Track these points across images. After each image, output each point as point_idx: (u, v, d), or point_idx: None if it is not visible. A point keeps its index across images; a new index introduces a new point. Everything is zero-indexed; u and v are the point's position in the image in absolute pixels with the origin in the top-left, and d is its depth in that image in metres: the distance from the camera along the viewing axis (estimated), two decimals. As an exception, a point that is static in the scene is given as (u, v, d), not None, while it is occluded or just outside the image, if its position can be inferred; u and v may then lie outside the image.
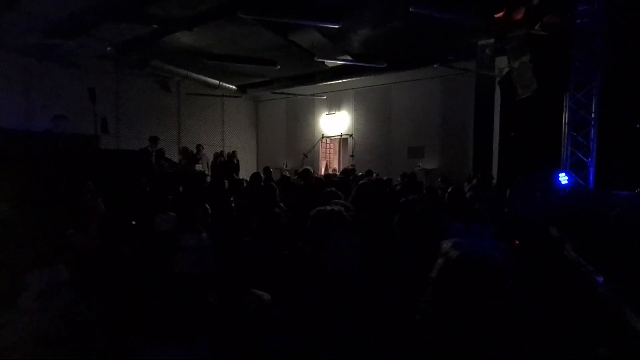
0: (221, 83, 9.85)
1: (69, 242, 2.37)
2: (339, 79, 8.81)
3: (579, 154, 4.49)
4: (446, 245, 1.28)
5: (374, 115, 10.27)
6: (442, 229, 2.32)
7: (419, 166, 9.20)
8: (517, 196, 4.21)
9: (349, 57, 7.52)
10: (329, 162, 11.46)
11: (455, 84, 8.77)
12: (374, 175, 6.33)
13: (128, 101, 8.69)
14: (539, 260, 2.82)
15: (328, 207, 1.72)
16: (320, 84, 9.41)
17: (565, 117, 4.51)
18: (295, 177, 5.27)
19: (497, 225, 3.98)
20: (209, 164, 8.22)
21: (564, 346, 1.58)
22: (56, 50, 6.89)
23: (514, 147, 5.78)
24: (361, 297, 1.48)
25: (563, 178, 4.24)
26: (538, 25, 4.24)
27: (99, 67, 7.86)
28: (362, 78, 9.11)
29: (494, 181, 6.68)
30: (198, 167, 7.47)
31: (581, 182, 4.42)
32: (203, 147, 8.14)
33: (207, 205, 2.90)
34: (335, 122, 10.92)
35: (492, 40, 5.95)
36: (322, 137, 11.01)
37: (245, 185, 4.63)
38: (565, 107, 4.46)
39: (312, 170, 4.47)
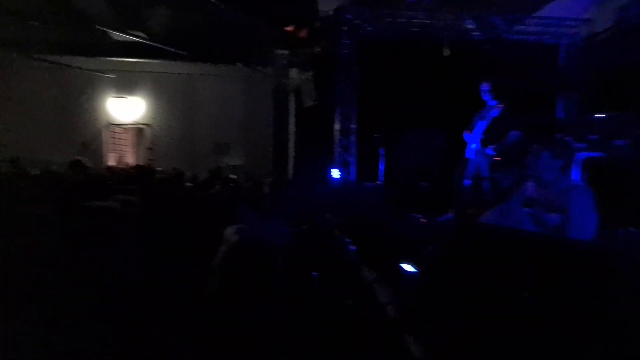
0: None
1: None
2: (130, 57, 7.55)
3: (345, 155, 5.81)
4: (229, 231, 1.33)
5: (176, 106, 9.47)
6: (238, 220, 2.43)
7: (225, 162, 9.25)
8: (303, 189, 4.99)
9: (143, 35, 6.58)
10: (121, 156, 9.66)
11: (259, 86, 9.38)
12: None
13: None
14: (318, 240, 3.46)
15: (99, 203, 1.44)
16: (105, 58, 7.76)
17: (336, 125, 5.71)
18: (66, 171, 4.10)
19: (290, 215, 4.54)
20: None
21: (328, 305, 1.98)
22: None
23: (302, 147, 6.84)
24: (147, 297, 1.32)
25: (335, 173, 5.39)
26: (318, 46, 5.19)
27: None
28: (162, 62, 8.21)
29: (290, 177, 7.71)
30: None
31: (347, 176, 5.73)
32: None
33: None
34: (126, 108, 9.28)
35: (286, 52, 6.75)
36: (109, 123, 9.12)
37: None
38: (336, 117, 5.66)
39: (85, 162, 3.61)
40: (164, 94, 9.42)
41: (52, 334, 0.99)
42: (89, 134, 8.68)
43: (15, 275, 1.31)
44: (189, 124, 9.57)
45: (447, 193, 5.12)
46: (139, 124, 9.28)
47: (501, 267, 0.96)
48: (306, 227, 4.04)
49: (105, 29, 6.19)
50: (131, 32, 6.43)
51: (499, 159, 3.78)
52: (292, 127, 8.02)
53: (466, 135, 4.19)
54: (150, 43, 6.74)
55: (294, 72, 7.35)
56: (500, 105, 3.85)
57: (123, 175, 4.47)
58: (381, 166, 5.47)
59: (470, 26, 5.48)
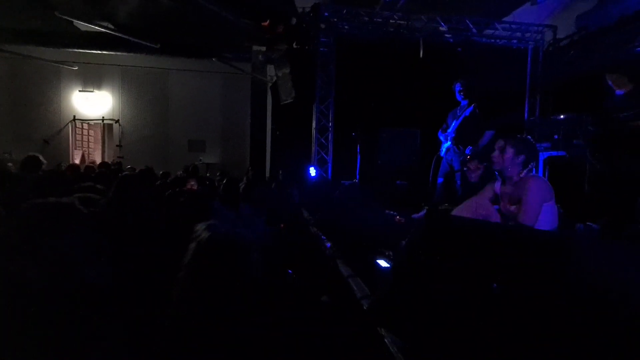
0: None
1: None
2: (96, 49, 7.18)
3: (322, 153, 5.82)
4: (200, 227, 1.29)
5: (148, 102, 9.12)
6: (212, 217, 2.37)
7: (200, 160, 9.02)
8: (279, 186, 4.95)
9: (111, 26, 6.27)
10: (87, 153, 9.18)
11: (235, 82, 9.20)
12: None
13: None
14: (294, 237, 3.45)
15: (53, 200, 1.34)
16: (70, 50, 7.33)
17: (313, 123, 5.70)
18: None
19: (267, 212, 4.49)
20: None
21: (302, 298, 1.97)
22: None
23: (280, 145, 6.78)
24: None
25: (312, 171, 5.38)
26: (295, 42, 5.16)
27: None
28: (133, 55, 7.86)
29: (267, 174, 7.63)
30: None
31: (324, 174, 5.74)
32: None
33: None
34: (93, 103, 8.85)
35: (263, 48, 6.66)
36: (74, 119, 8.67)
37: None
38: (314, 115, 5.65)
39: (42, 159, 3.37)
40: (134, 88, 9.04)
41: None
42: (52, 129, 8.19)
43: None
44: (162, 121, 9.25)
45: (422, 190, 5.25)
46: (107, 119, 8.86)
47: (469, 258, 0.99)
48: (283, 224, 4.02)
49: (69, 18, 5.84)
50: (98, 23, 6.11)
51: (469, 156, 3.92)
52: (269, 125, 7.94)
53: (440, 134, 4.31)
54: (119, 35, 6.43)
55: (270, 69, 7.27)
56: (472, 105, 3.99)
57: (88, 174, 4.24)
58: (358, 164, 5.53)
59: (443, 28, 5.64)
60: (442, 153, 4.27)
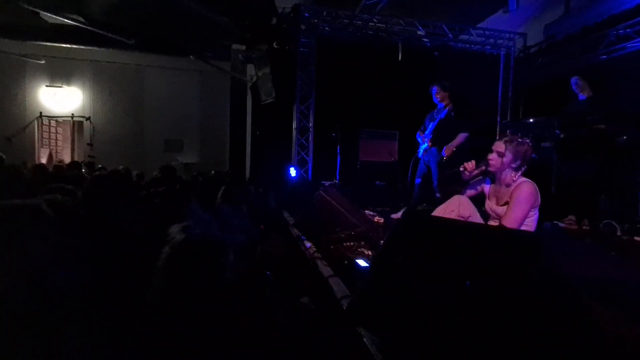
0: None
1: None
2: (65, 43, 6.84)
3: (303, 154, 5.81)
4: (173, 229, 1.25)
5: (122, 99, 8.77)
6: (188, 218, 2.31)
7: (177, 160, 8.79)
8: (260, 188, 4.90)
9: (81, 20, 6.00)
10: (55, 152, 8.73)
11: (214, 81, 9.01)
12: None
13: None
14: (274, 238, 3.43)
15: (18, 201, 1.26)
16: (37, 43, 6.95)
17: (294, 123, 5.69)
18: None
19: (247, 213, 4.44)
20: None
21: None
22: None
23: (260, 145, 6.72)
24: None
25: (292, 171, 5.36)
26: (275, 42, 5.13)
27: None
28: (105, 50, 7.56)
29: (247, 175, 7.53)
30: None
31: (304, 174, 5.74)
32: None
33: None
34: (62, 98, 8.41)
35: (243, 47, 6.58)
36: (41, 115, 8.21)
37: None
38: (294, 115, 5.64)
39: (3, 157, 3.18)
40: (106, 84, 8.67)
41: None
42: (16, 126, 7.72)
43: None
44: (137, 119, 8.93)
45: (400, 191, 5.35)
46: (77, 116, 8.45)
47: (444, 257, 1.03)
48: (263, 225, 3.98)
49: (37, 10, 5.53)
50: (67, 16, 5.82)
51: (445, 157, 4.03)
52: (249, 125, 7.84)
53: (418, 135, 4.41)
54: (91, 29, 6.15)
55: (251, 68, 7.19)
56: (449, 108, 4.10)
57: (57, 174, 4.03)
58: (338, 164, 5.57)
59: (421, 33, 5.77)
60: (420, 154, 4.37)
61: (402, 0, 5.07)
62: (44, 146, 8.41)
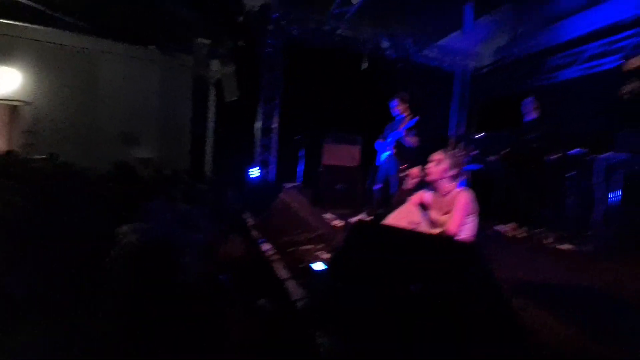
0: None
1: None
2: (3, 19, 6.19)
3: (266, 154, 5.78)
4: (124, 230, 1.21)
5: (71, 85, 8.05)
6: (143, 218, 2.21)
7: (133, 155, 8.27)
8: (221, 188, 4.79)
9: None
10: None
11: (176, 74, 8.61)
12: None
13: None
14: (233, 240, 3.38)
15: None
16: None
17: (258, 123, 5.64)
18: None
19: (206, 213, 4.32)
20: None
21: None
22: None
23: (222, 144, 6.57)
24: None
25: (254, 172, 5.31)
26: (241, 40, 5.06)
27: None
28: (52, 30, 6.93)
29: (207, 174, 7.30)
30: None
31: (266, 176, 5.71)
32: None
33: None
34: (-5, 80, 7.54)
35: (208, 42, 6.39)
36: (-30, 98, 7.33)
37: None
38: (258, 115, 5.60)
39: None
40: (52, 68, 7.91)
41: None
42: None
43: None
44: (89, 108, 8.27)
45: (361, 195, 5.52)
46: (13, 100, 7.61)
47: (391, 263, 1.10)
48: (222, 226, 3.90)
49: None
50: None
51: (405, 165, 4.24)
52: (211, 122, 7.61)
53: (378, 143, 4.58)
54: (35, 6, 5.61)
55: (215, 64, 6.99)
56: (407, 120, 4.31)
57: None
58: (300, 167, 5.61)
59: (386, 44, 6.01)
60: (380, 161, 4.55)
61: (369, 12, 5.24)
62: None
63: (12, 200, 1.81)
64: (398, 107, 4.40)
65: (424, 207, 2.56)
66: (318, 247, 2.77)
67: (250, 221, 4.10)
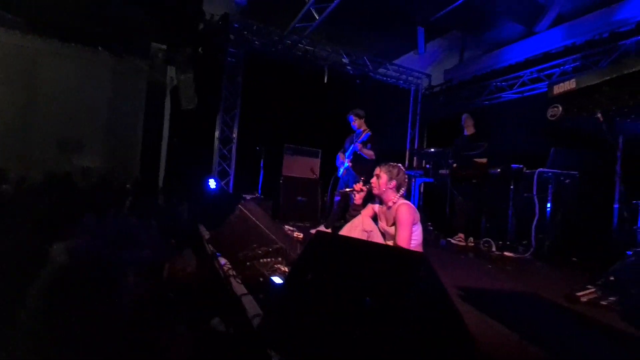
0: None
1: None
2: None
3: (224, 165, 5.62)
4: (56, 248, 1.10)
5: (4, 85, 7.28)
6: (78, 234, 2.02)
7: (74, 163, 7.59)
8: (175, 199, 4.55)
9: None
10: None
11: (129, 79, 8.14)
12: None
13: None
14: (188, 253, 3.21)
15: None
16: None
17: (217, 133, 5.49)
18: None
19: (155, 227, 4.06)
20: None
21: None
22: None
23: (177, 153, 6.28)
24: None
25: (212, 183, 5.12)
26: (201, 48, 4.94)
27: None
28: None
29: (160, 185, 6.90)
30: None
31: (224, 187, 5.53)
32: None
33: None
34: None
35: (164, 47, 6.15)
36: None
37: None
38: (217, 125, 5.45)
39: None
40: (-18, 66, 7.12)
41: None
42: None
43: None
44: (25, 110, 7.49)
45: (321, 207, 5.55)
46: None
47: (347, 275, 1.12)
48: (174, 240, 3.70)
49: None
50: None
51: (363, 178, 4.35)
52: (166, 130, 7.25)
53: (338, 156, 4.67)
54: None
55: (171, 70, 6.73)
56: (364, 134, 4.46)
57: None
58: (261, 178, 5.53)
59: (345, 61, 6.22)
60: (339, 174, 4.63)
61: (329, 29, 5.41)
62: None
63: None
64: (354, 123, 4.55)
65: (375, 218, 2.66)
66: (277, 260, 2.72)
67: (206, 235, 3.93)
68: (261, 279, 2.29)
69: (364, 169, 4.30)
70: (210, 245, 3.51)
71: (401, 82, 7.05)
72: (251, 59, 5.65)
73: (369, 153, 4.37)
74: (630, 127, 2.28)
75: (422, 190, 6.56)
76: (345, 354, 1.09)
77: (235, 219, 4.17)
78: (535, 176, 3.79)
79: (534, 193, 3.76)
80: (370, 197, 2.69)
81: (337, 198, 4.63)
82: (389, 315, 1.14)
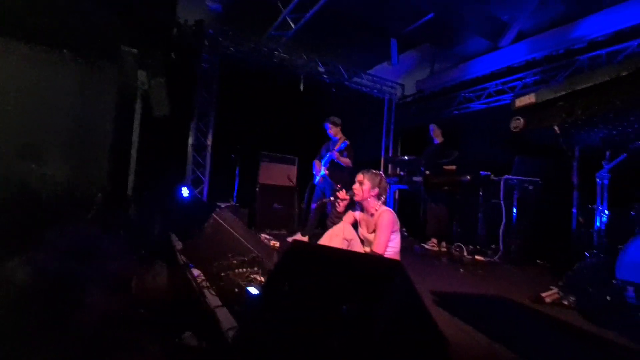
0: None
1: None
2: None
3: (198, 172, 5.48)
4: (11, 265, 1.02)
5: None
6: (38, 248, 1.89)
7: (35, 170, 7.11)
8: (145, 209, 4.38)
9: None
10: None
11: (97, 83, 7.79)
12: None
13: None
14: (159, 265, 3.07)
15: None
16: None
17: (190, 140, 5.35)
18: None
19: (125, 238, 3.88)
20: None
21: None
22: None
23: (148, 160, 6.05)
24: None
25: (185, 191, 4.97)
26: (174, 53, 4.82)
27: None
28: None
29: (129, 193, 6.60)
30: None
31: (198, 195, 5.39)
32: None
33: None
34: None
35: (135, 50, 5.95)
36: None
37: None
38: (191, 131, 5.32)
39: None
40: None
41: None
42: None
43: None
44: (-26, 114, 6.96)
45: (297, 215, 5.52)
46: None
47: (323, 283, 1.12)
48: (144, 252, 3.55)
49: None
50: None
51: (339, 185, 4.38)
52: (136, 136, 6.97)
53: (315, 163, 4.69)
54: None
55: (142, 75, 6.51)
56: (341, 142, 4.51)
57: None
58: (236, 186, 5.43)
59: (321, 69, 6.30)
60: (316, 181, 4.64)
61: (305, 38, 5.47)
62: None
63: None
64: (330, 131, 4.60)
65: (355, 225, 2.68)
66: (253, 269, 2.67)
67: (178, 245, 3.79)
68: (236, 290, 2.24)
69: (340, 177, 4.34)
70: (183, 256, 3.39)
71: (375, 91, 7.22)
72: (227, 65, 5.59)
73: (345, 161, 4.42)
74: (585, 138, 2.46)
75: (397, 197, 6.70)
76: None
77: (209, 228, 4.07)
78: (502, 183, 3.98)
79: (501, 199, 3.95)
80: (351, 204, 2.72)
81: (313, 206, 4.63)
82: (366, 323, 1.14)
